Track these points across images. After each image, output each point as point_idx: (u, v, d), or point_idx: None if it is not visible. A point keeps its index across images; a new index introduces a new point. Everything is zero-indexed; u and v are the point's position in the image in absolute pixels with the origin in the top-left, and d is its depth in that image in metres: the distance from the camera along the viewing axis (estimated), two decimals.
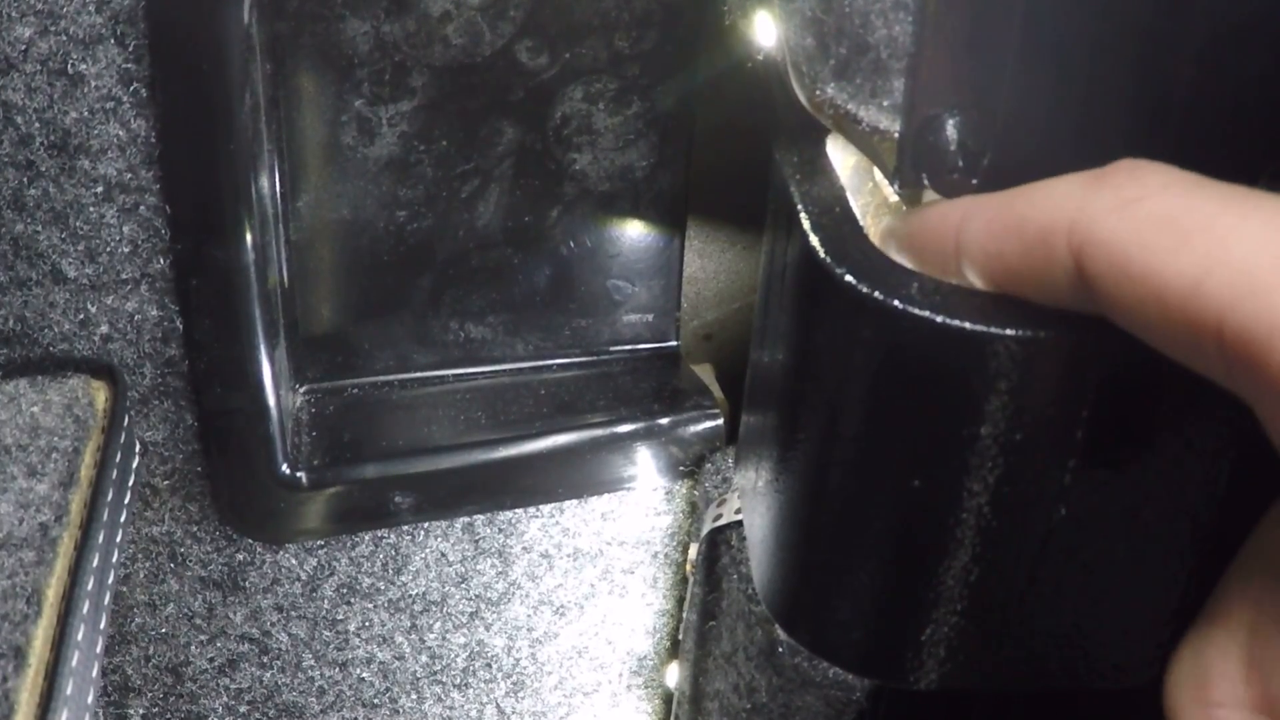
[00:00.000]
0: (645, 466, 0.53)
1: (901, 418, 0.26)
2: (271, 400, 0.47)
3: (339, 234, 0.49)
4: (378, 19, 0.44)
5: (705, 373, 0.57)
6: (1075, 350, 0.24)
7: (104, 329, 0.45)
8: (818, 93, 0.28)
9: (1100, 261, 0.21)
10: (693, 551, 0.54)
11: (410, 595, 0.55)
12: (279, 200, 0.46)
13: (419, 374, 0.54)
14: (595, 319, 0.54)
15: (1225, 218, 0.20)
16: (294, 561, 0.52)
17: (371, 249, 0.49)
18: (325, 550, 0.52)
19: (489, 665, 0.58)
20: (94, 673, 0.37)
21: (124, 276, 0.44)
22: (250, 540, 0.51)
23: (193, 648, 0.54)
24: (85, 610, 0.37)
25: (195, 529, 0.51)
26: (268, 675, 0.55)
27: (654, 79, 0.49)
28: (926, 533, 0.27)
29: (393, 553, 0.53)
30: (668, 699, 0.61)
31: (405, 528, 0.53)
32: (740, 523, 0.47)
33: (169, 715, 0.55)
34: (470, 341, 0.53)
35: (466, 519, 0.53)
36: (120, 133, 0.41)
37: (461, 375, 0.54)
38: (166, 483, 0.49)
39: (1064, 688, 0.29)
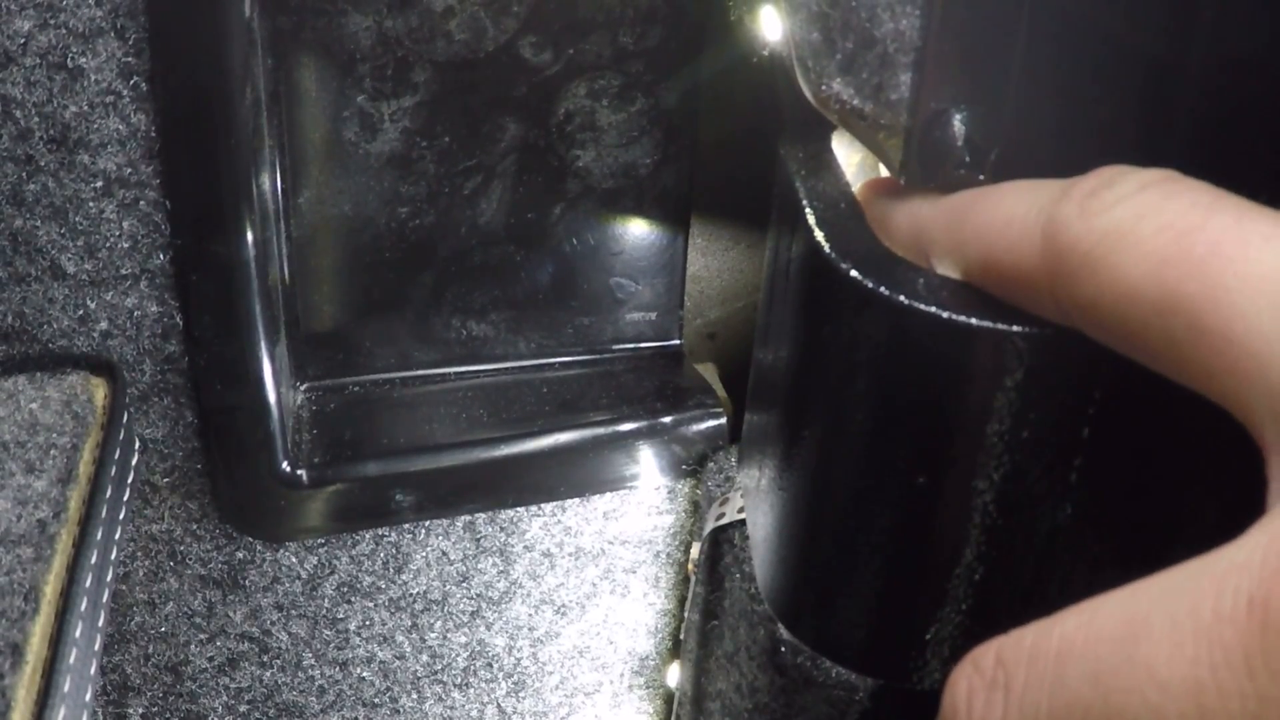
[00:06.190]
0: (648, 465, 0.53)
1: (906, 415, 0.26)
2: (272, 397, 0.47)
3: (340, 230, 0.48)
4: (380, 14, 0.44)
5: (708, 371, 0.57)
6: (1082, 347, 0.23)
7: (103, 325, 0.45)
8: (823, 88, 0.28)
9: None
10: (695, 551, 0.54)
11: (411, 594, 0.54)
12: (280, 196, 0.46)
13: (420, 372, 0.53)
14: (598, 317, 0.54)
15: None
16: (294, 560, 0.52)
17: (373, 246, 0.49)
18: (326, 549, 0.52)
19: (490, 665, 0.58)
20: (92, 670, 0.37)
21: (123, 272, 0.44)
22: (250, 538, 0.51)
23: (192, 646, 0.54)
24: (83, 607, 0.37)
25: (195, 527, 0.50)
26: (268, 674, 0.55)
27: (658, 75, 0.48)
28: (931, 531, 0.27)
29: (393, 551, 0.53)
30: (669, 699, 0.61)
31: (406, 526, 0.52)
32: (743, 522, 0.47)
33: (168, 714, 0.55)
34: (472, 339, 0.53)
35: (468, 517, 0.53)
36: (120, 127, 0.41)
37: (463, 373, 0.54)
38: (166, 480, 0.49)
39: None
